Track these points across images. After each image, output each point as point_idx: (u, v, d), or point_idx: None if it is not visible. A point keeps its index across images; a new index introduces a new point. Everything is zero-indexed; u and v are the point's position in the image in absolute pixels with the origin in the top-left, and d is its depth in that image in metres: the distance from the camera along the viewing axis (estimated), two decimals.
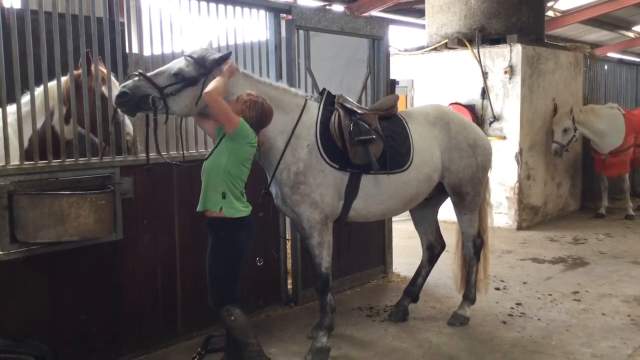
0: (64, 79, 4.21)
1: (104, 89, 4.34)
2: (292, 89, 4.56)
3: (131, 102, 3.84)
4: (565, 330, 4.97)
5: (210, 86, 3.77)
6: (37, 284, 3.92)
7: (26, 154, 3.96)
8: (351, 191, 4.47)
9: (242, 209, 3.83)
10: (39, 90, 4.10)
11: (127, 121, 4.50)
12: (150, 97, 3.83)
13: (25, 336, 3.73)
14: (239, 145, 3.78)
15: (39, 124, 4.08)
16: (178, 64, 3.98)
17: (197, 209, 3.89)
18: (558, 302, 5.68)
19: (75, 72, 4.25)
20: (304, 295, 5.62)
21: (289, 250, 5.69)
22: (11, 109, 4.06)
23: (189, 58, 3.98)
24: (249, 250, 3.99)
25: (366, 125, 4.45)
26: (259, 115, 3.90)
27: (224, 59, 3.97)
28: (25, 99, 4.08)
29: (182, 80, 3.92)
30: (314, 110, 4.47)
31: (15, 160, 3.88)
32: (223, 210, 3.76)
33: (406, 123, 4.75)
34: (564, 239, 8.49)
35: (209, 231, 3.90)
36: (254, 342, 3.82)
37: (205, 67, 3.95)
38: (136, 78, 3.88)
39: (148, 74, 3.94)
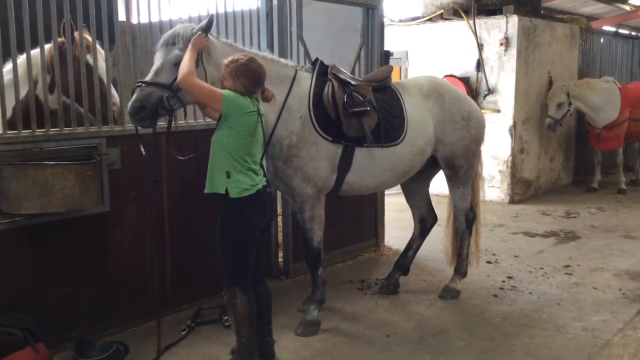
0: (47, 46, 4.08)
1: (89, 57, 4.22)
2: (282, 60, 4.44)
3: (150, 112, 3.67)
4: (557, 304, 4.97)
5: (181, 71, 3.54)
6: (22, 256, 3.85)
7: (9, 124, 3.86)
8: (344, 164, 4.40)
9: (248, 186, 3.54)
10: (21, 59, 3.98)
11: (114, 92, 4.39)
12: (165, 98, 3.67)
13: (10, 309, 3.68)
14: (235, 118, 3.51)
15: (23, 93, 3.97)
16: (171, 53, 3.75)
17: (205, 191, 3.65)
18: (549, 276, 5.68)
19: (59, 39, 4.12)
20: (294, 269, 5.60)
21: (279, 224, 5.64)
22: None
23: (178, 42, 3.75)
24: (261, 227, 3.69)
25: (360, 97, 4.36)
26: (250, 76, 3.55)
27: (209, 25, 3.81)
28: (8, 67, 3.96)
29: None
30: (306, 81, 4.37)
31: None
32: (229, 190, 3.52)
33: (400, 95, 4.67)
34: (556, 212, 8.49)
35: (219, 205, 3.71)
36: (245, 335, 3.65)
37: None
38: (140, 87, 3.70)
39: (145, 79, 3.76)
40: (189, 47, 3.65)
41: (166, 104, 3.69)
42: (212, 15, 3.87)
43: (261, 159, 3.78)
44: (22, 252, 3.85)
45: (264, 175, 3.75)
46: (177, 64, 3.70)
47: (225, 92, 3.53)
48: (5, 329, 3.50)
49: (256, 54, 4.14)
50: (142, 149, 3.82)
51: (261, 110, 3.65)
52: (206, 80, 3.81)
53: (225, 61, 3.61)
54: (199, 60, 3.77)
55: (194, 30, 3.78)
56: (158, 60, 3.81)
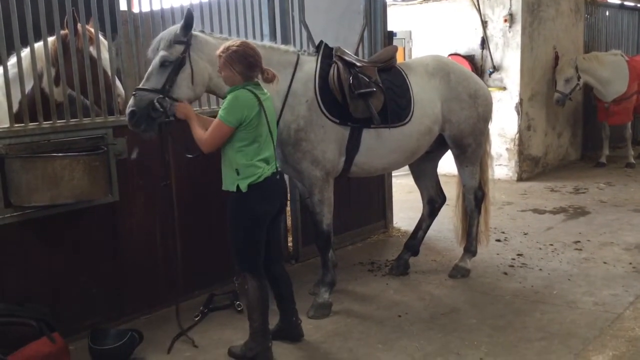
0: (50, 39, 4.07)
1: (92, 49, 4.21)
2: (282, 47, 4.42)
3: (142, 116, 3.72)
4: (567, 279, 4.97)
5: (197, 142, 3.59)
6: (35, 248, 3.89)
7: (16, 118, 3.87)
8: (353, 146, 4.41)
9: (256, 177, 3.51)
10: (25, 52, 3.98)
11: (118, 83, 4.39)
12: (155, 101, 3.71)
13: (25, 300, 3.72)
14: (243, 120, 3.48)
15: (29, 87, 3.98)
16: (157, 57, 3.80)
17: (222, 188, 3.67)
18: (559, 252, 5.68)
19: (62, 32, 4.12)
20: (304, 252, 5.62)
21: (288, 208, 5.65)
22: None
23: (161, 46, 3.80)
24: (270, 213, 3.65)
25: (366, 78, 4.35)
26: (243, 61, 3.49)
27: (188, 20, 3.78)
28: (12, 61, 3.96)
29: (170, 65, 3.77)
30: (310, 64, 4.36)
31: (5, 124, 3.79)
32: (240, 187, 3.53)
33: (406, 75, 4.65)
34: (564, 189, 8.47)
35: None
36: (257, 320, 3.69)
37: (182, 41, 3.80)
38: (134, 94, 3.79)
39: (140, 85, 3.84)
40: (188, 118, 3.68)
41: (157, 106, 3.72)
42: (189, 11, 3.82)
43: (274, 146, 3.72)
44: (34, 244, 3.88)
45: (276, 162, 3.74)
46: (162, 65, 3.78)
47: (221, 114, 3.48)
48: (21, 320, 3.53)
49: (255, 43, 4.11)
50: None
51: (262, 96, 3.57)
52: (193, 79, 3.81)
53: (218, 52, 3.58)
54: (186, 62, 3.79)
55: (178, 32, 3.80)
56: (150, 66, 3.88)
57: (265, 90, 3.67)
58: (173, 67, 3.78)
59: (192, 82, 3.83)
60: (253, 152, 3.53)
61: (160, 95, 3.73)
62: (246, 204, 3.57)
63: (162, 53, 3.78)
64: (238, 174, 3.54)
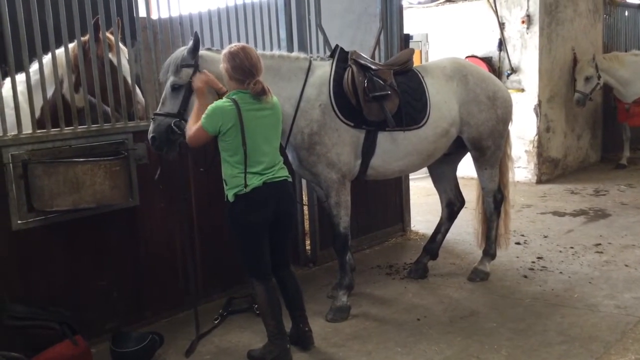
0: (71, 45, 4.14)
1: (112, 56, 4.26)
2: (292, 55, 4.44)
3: (162, 140, 3.90)
4: (588, 282, 4.92)
5: (187, 125, 3.71)
6: (57, 252, 3.95)
7: (38, 124, 3.94)
8: (368, 149, 4.42)
9: (242, 187, 3.52)
10: (47, 59, 4.05)
11: (137, 90, 4.45)
12: (172, 125, 3.86)
13: (48, 303, 3.77)
14: (223, 129, 3.52)
15: (50, 93, 4.04)
16: (168, 81, 3.92)
17: None
18: (580, 255, 5.62)
19: (83, 38, 4.18)
20: (322, 256, 5.63)
21: (306, 212, 5.67)
22: (20, 77, 4.02)
23: (170, 70, 3.91)
24: (264, 221, 3.62)
25: (381, 81, 4.36)
26: (231, 61, 3.52)
27: (196, 43, 3.85)
28: (34, 67, 4.03)
29: (181, 88, 3.88)
30: (323, 69, 4.38)
31: (27, 129, 3.86)
32: (228, 196, 3.61)
33: (422, 78, 4.65)
34: (584, 191, 8.38)
35: None
36: (271, 323, 3.72)
37: (189, 64, 3.88)
38: (153, 119, 3.95)
39: (156, 111, 4.00)
40: (197, 90, 3.77)
41: (175, 129, 3.87)
42: (196, 35, 3.90)
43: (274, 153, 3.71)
44: (56, 248, 3.94)
45: (286, 169, 3.76)
46: (174, 89, 3.90)
47: (202, 118, 3.54)
48: (45, 323, 3.60)
49: (263, 54, 4.14)
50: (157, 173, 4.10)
51: (249, 105, 3.52)
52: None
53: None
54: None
55: (185, 55, 3.88)
56: (164, 91, 4.01)
57: (271, 99, 3.64)
58: (185, 90, 3.89)
59: None
60: (236, 162, 3.56)
61: (177, 119, 3.87)
62: (234, 214, 3.63)
63: (171, 78, 3.90)
64: (226, 184, 3.63)
